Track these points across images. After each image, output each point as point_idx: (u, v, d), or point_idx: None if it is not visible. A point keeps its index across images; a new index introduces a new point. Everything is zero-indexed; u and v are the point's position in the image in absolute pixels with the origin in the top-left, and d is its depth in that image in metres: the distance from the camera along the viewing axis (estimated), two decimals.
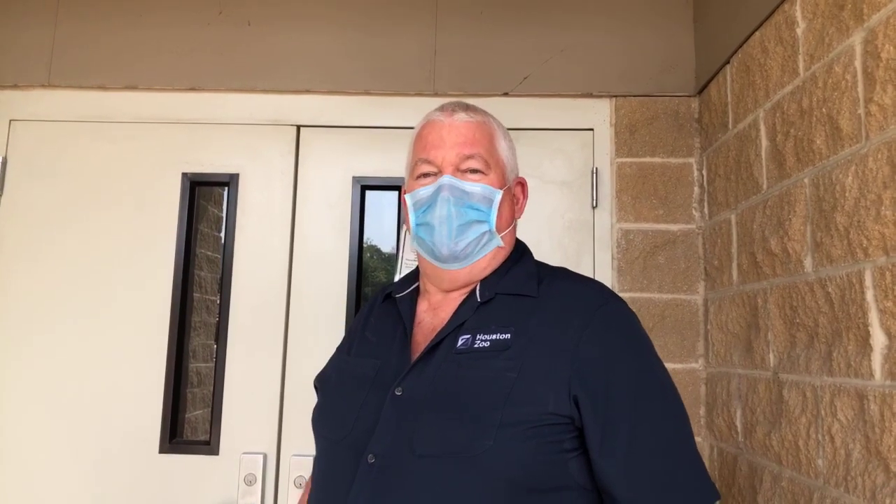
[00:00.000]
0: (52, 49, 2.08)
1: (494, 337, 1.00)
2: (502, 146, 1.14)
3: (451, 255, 1.07)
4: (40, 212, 2.02)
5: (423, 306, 1.14)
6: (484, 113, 1.15)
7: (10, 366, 1.96)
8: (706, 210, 1.91)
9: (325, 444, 1.07)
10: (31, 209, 2.02)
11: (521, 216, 1.20)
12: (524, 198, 1.21)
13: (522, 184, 1.20)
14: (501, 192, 1.10)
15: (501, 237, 1.11)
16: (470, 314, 1.05)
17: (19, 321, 1.98)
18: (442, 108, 1.14)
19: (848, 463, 1.18)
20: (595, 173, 1.99)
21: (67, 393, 1.94)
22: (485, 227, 1.08)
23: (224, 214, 2.07)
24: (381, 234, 2.11)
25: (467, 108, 1.14)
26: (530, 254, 1.18)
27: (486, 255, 1.10)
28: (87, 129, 2.06)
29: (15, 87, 2.08)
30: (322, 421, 1.10)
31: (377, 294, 1.26)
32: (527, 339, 0.99)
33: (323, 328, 1.95)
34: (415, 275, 1.21)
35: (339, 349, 1.24)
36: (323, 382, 1.18)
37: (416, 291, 1.18)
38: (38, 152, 2.05)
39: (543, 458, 0.92)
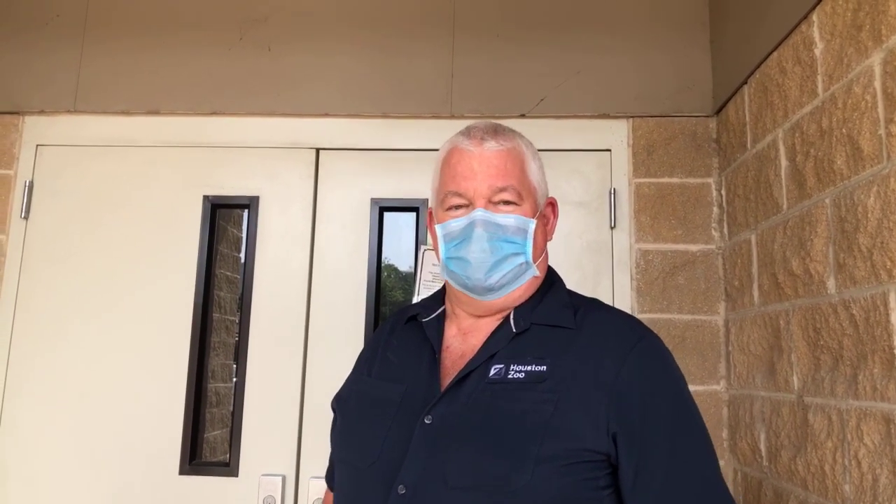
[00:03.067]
0: (77, 76, 2.13)
1: (530, 368, 0.98)
2: (533, 170, 1.10)
3: (486, 289, 1.05)
4: (65, 234, 2.06)
5: (451, 331, 1.11)
6: (512, 136, 1.11)
7: (32, 384, 1.98)
8: (726, 230, 1.90)
9: (349, 471, 1.05)
10: (57, 231, 2.06)
11: (552, 238, 1.17)
12: (555, 217, 1.17)
13: (553, 204, 1.17)
14: (535, 220, 1.07)
15: (536, 265, 1.08)
16: (503, 344, 1.03)
17: (42, 340, 2.00)
18: (470, 135, 1.08)
19: (875, 488, 1.16)
20: (613, 194, 1.99)
21: (89, 412, 1.95)
22: (521, 259, 1.05)
23: (244, 236, 2.10)
24: (399, 254, 2.12)
25: (496, 133, 1.08)
26: (562, 282, 1.15)
27: (523, 285, 1.08)
28: (111, 152, 2.10)
29: (42, 112, 2.13)
30: (346, 446, 1.07)
31: (396, 315, 1.23)
32: (563, 372, 0.97)
33: (342, 349, 1.95)
34: (440, 297, 1.18)
35: (356, 370, 1.21)
36: (342, 404, 1.15)
37: (443, 314, 1.14)
38: (64, 176, 2.09)
39: (579, 494, 0.91)
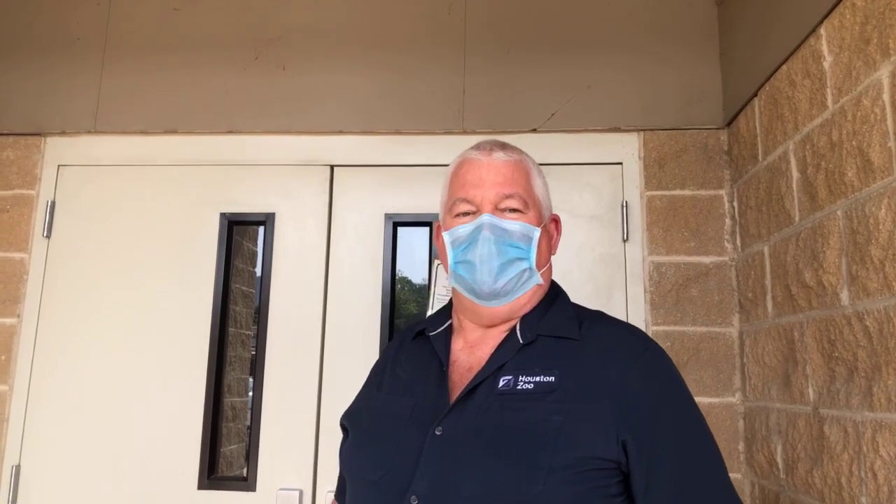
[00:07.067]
0: (97, 98, 2.18)
1: (539, 379, 1.00)
2: (538, 184, 1.15)
3: (491, 292, 1.07)
4: (85, 252, 2.10)
5: (458, 344, 1.13)
6: (520, 151, 1.16)
7: (54, 398, 2.01)
8: (738, 242, 1.90)
9: (360, 485, 1.06)
10: (78, 250, 2.10)
11: (556, 252, 1.20)
12: (558, 234, 1.21)
13: (556, 220, 1.21)
14: (539, 229, 1.11)
15: (540, 274, 1.11)
16: (511, 356, 1.04)
17: (63, 356, 2.04)
18: (479, 147, 1.14)
19: (891, 501, 1.15)
20: (625, 206, 2.00)
21: (108, 427, 1.98)
22: (525, 265, 1.08)
23: (260, 252, 2.13)
24: (412, 267, 2.15)
25: (504, 146, 1.15)
26: (566, 295, 1.18)
27: (527, 293, 1.10)
28: (130, 171, 2.14)
29: (63, 133, 2.17)
30: (356, 460, 1.09)
31: (404, 331, 1.25)
32: (572, 383, 0.99)
33: (358, 362, 1.96)
34: (447, 311, 1.20)
35: (366, 385, 1.23)
36: (352, 420, 1.17)
37: (450, 328, 1.17)
38: (84, 195, 2.14)
39: (591, 502, 0.92)
